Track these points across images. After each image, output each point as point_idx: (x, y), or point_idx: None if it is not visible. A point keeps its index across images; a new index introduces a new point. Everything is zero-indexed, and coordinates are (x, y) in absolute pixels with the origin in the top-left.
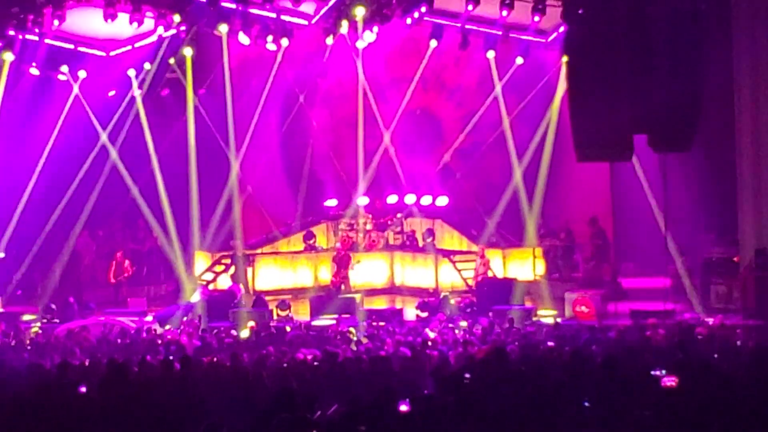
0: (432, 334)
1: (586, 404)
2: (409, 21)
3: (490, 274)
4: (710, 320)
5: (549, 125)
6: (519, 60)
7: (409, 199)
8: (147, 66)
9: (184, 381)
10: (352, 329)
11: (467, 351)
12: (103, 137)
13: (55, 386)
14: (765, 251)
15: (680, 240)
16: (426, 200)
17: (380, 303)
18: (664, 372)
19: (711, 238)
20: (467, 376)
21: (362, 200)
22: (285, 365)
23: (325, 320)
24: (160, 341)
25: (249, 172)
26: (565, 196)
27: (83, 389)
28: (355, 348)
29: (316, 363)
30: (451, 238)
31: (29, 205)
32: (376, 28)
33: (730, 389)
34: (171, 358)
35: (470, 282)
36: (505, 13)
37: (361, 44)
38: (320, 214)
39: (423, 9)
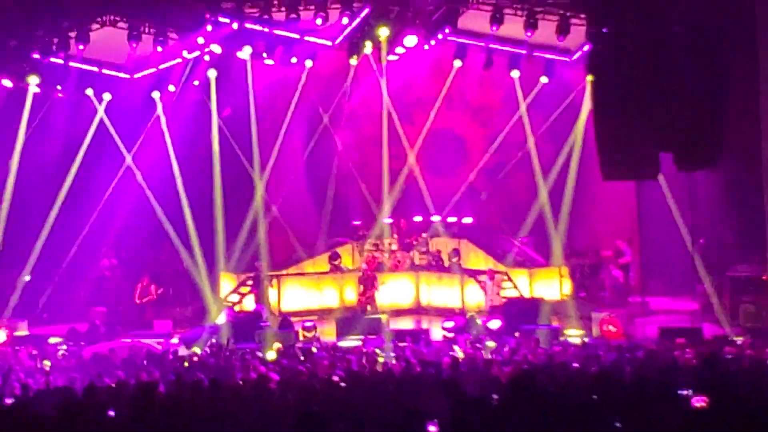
0: (460, 354)
1: (617, 424)
2: (433, 42)
3: (512, 293)
4: (739, 339)
5: (574, 144)
6: (543, 79)
7: (435, 219)
8: (171, 88)
9: (212, 402)
10: (378, 350)
11: (494, 371)
12: (128, 159)
13: (83, 409)
14: None
15: (708, 258)
16: (451, 220)
17: (406, 323)
18: (691, 392)
19: (739, 257)
20: (494, 396)
21: (387, 220)
22: (311, 386)
23: (351, 341)
24: (186, 363)
25: (274, 193)
26: (592, 214)
27: (111, 412)
28: (381, 369)
29: (342, 384)
30: (477, 258)
31: (55, 228)
32: (400, 49)
33: (760, 409)
34: (198, 379)
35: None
36: (529, 33)
37: (385, 64)
38: (345, 235)
39: (447, 30)
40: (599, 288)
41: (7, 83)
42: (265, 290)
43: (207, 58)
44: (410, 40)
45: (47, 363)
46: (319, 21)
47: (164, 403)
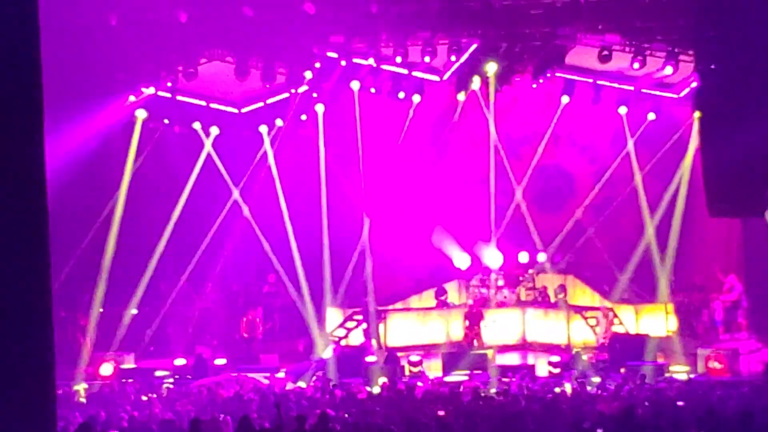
0: (567, 389)
1: None
2: (541, 80)
3: (618, 329)
4: None
5: (681, 180)
6: (651, 115)
7: (541, 257)
8: (279, 122)
9: None
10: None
11: (600, 407)
12: (235, 193)
13: None
14: None
15: None
16: (558, 256)
17: (512, 359)
18: None
19: None
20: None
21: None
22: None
23: (458, 376)
24: (293, 397)
25: (379, 228)
26: (698, 251)
27: None
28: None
29: (448, 418)
30: (583, 294)
31: (162, 261)
32: (508, 85)
33: None
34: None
35: (593, 341)
36: (636, 65)
37: (492, 100)
38: (452, 272)
39: (554, 67)
40: (705, 324)
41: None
42: (372, 325)
43: (315, 94)
44: (517, 77)
45: (153, 395)
46: (427, 58)
47: None
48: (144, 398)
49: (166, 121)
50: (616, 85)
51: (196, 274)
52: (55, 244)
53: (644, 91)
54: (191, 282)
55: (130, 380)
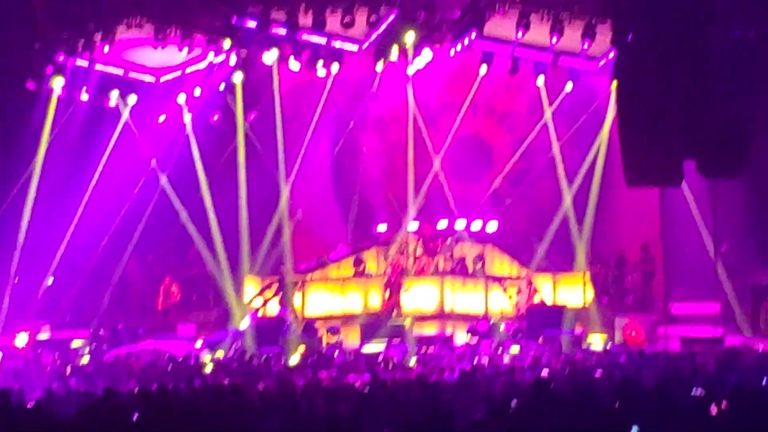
0: (484, 360)
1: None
2: (459, 47)
3: (536, 300)
4: (760, 345)
5: (599, 150)
6: (569, 86)
7: (460, 224)
8: (197, 92)
9: (235, 407)
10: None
11: (516, 377)
12: (153, 163)
13: (103, 413)
14: None
15: (730, 265)
16: (476, 225)
17: (430, 329)
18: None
19: (761, 263)
20: (514, 401)
21: (412, 225)
22: (335, 391)
23: (375, 346)
24: (209, 367)
25: (299, 198)
26: (615, 221)
27: (133, 417)
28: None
29: (366, 389)
30: (501, 264)
31: (79, 231)
32: (426, 54)
33: None
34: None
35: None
36: (554, 39)
37: (411, 70)
38: (370, 240)
39: (473, 35)
40: (622, 294)
41: (31, 85)
42: (289, 294)
43: (233, 62)
44: (435, 46)
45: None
46: (345, 26)
47: (186, 409)
48: (60, 369)
49: (84, 89)
50: (533, 55)
51: (114, 243)
52: None
53: (562, 61)
54: (109, 252)
55: (45, 350)
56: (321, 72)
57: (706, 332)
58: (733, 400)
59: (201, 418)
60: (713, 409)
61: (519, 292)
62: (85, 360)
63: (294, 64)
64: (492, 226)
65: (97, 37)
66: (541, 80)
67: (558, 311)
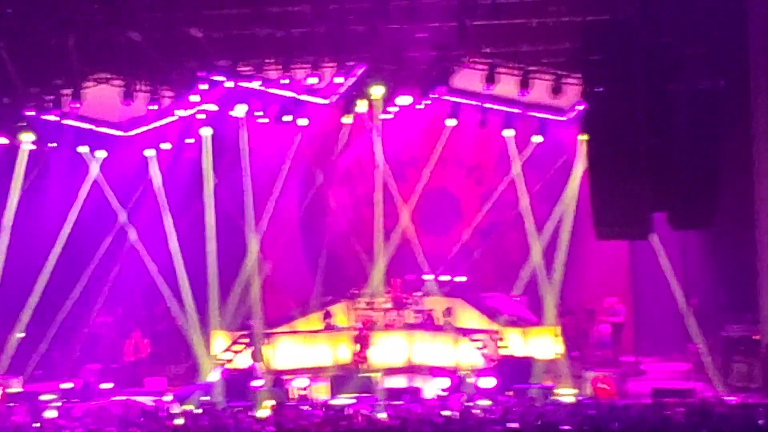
0: (453, 413)
1: None
2: (428, 101)
3: (505, 352)
4: (731, 399)
5: (568, 203)
6: (537, 138)
7: (428, 277)
8: (166, 146)
9: None
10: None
11: (485, 430)
12: (122, 217)
13: None
14: None
15: (701, 318)
16: (444, 279)
17: (399, 382)
18: None
19: (731, 316)
20: None
21: (381, 279)
22: None
23: (345, 399)
24: (181, 420)
25: (268, 251)
26: (584, 273)
27: None
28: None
29: None
30: (470, 317)
31: (49, 284)
32: (393, 107)
33: None
34: None
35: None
36: (523, 93)
37: (378, 123)
38: (339, 294)
39: (441, 88)
40: (592, 346)
41: (3, 140)
42: (258, 348)
43: (202, 116)
44: (403, 100)
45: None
46: (315, 80)
47: None
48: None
49: (52, 144)
50: (502, 107)
51: (83, 297)
52: None
53: (531, 113)
54: (78, 306)
55: (17, 404)
56: (289, 125)
57: (676, 384)
58: None
59: None
60: None
61: (485, 346)
62: (54, 413)
63: (262, 119)
64: (460, 280)
65: (65, 92)
66: (509, 132)
67: (527, 364)
